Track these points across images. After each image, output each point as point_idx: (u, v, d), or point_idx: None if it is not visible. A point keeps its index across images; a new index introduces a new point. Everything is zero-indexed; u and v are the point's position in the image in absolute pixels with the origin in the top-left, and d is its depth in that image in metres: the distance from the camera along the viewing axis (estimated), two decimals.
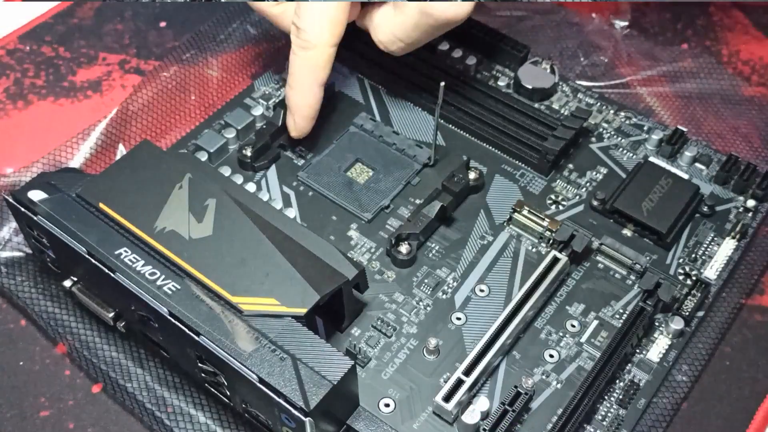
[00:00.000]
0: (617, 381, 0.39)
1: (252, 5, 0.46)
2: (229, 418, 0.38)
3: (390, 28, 0.44)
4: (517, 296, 0.40)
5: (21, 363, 0.41)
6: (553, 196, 0.46)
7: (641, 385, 0.39)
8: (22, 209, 0.38)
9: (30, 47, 0.55)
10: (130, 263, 0.36)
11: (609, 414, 0.38)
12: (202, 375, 0.36)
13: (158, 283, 0.35)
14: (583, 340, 0.40)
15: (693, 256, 0.43)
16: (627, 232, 0.44)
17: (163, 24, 0.57)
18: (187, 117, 0.51)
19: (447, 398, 0.36)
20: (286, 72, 0.44)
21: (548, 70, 0.51)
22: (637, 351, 0.40)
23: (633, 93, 0.53)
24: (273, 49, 0.55)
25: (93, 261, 0.36)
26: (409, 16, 0.42)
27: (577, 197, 0.46)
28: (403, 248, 0.42)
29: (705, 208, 0.45)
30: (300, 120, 0.45)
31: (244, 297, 0.35)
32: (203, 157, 0.46)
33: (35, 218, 0.37)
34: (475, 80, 0.50)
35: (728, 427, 0.39)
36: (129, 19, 0.57)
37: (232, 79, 0.53)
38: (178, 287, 0.35)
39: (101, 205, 0.37)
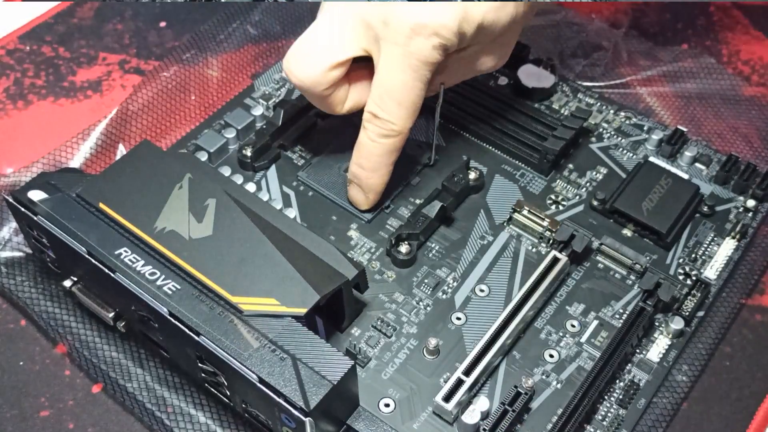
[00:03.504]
0: (617, 381, 0.39)
1: (298, 86, 0.42)
2: (229, 418, 0.38)
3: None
4: (517, 296, 0.40)
5: (21, 363, 0.41)
6: (553, 196, 0.46)
7: (641, 385, 0.39)
8: (22, 209, 0.38)
9: (30, 47, 0.55)
10: (130, 263, 0.36)
11: (609, 414, 0.38)
12: (202, 375, 0.36)
13: (158, 283, 0.35)
14: (583, 340, 0.40)
15: (693, 256, 0.43)
16: (627, 232, 0.44)
17: (163, 24, 0.57)
18: (187, 117, 0.51)
19: (447, 398, 0.36)
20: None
21: (548, 70, 0.51)
22: (637, 351, 0.40)
23: (633, 93, 0.53)
24: (273, 49, 0.55)
25: (93, 261, 0.36)
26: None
27: (577, 197, 0.46)
28: (403, 248, 0.42)
29: (705, 208, 0.45)
30: (373, 197, 0.43)
31: (244, 297, 0.35)
32: (203, 157, 0.46)
33: (35, 218, 0.37)
34: (475, 80, 0.50)
35: (728, 427, 0.39)
36: (129, 19, 0.57)
37: (232, 79, 0.53)
38: (178, 287, 0.35)
39: (101, 205, 0.37)
